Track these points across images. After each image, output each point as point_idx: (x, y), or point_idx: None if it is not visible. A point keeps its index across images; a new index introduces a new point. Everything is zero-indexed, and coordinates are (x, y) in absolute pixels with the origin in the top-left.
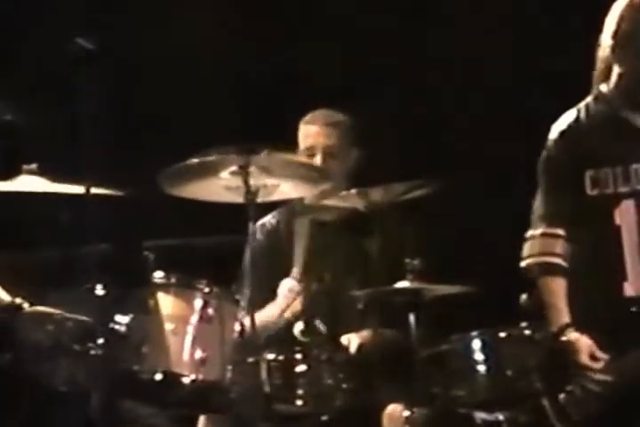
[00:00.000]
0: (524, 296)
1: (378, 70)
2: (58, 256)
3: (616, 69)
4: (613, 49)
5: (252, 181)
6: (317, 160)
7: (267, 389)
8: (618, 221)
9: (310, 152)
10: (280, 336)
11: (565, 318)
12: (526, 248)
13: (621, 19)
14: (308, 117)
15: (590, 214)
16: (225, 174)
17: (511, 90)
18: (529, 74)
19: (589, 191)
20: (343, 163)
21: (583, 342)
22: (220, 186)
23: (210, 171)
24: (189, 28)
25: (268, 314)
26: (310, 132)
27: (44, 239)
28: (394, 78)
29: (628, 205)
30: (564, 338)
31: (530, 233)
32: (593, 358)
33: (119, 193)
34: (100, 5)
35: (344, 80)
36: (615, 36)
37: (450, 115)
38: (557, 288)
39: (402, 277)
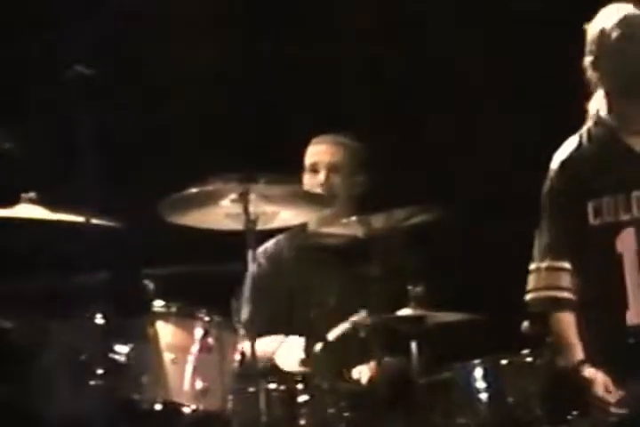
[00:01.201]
0: (525, 323)
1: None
2: (57, 285)
3: (601, 93)
4: (594, 72)
5: (251, 209)
6: (321, 177)
7: (265, 419)
8: (619, 249)
9: (313, 168)
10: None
11: (580, 353)
12: (531, 281)
13: (598, 47)
14: (316, 139)
15: (593, 244)
16: (225, 202)
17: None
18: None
19: (592, 221)
20: (347, 183)
21: (600, 377)
22: (221, 214)
23: (210, 199)
24: (188, 55)
25: (266, 346)
26: (316, 150)
27: (42, 268)
28: (393, 106)
29: (628, 233)
30: (581, 374)
31: (535, 266)
32: (608, 391)
33: (117, 225)
34: (98, 33)
35: (343, 108)
36: (594, 65)
37: (451, 141)
38: (568, 323)
39: (404, 305)
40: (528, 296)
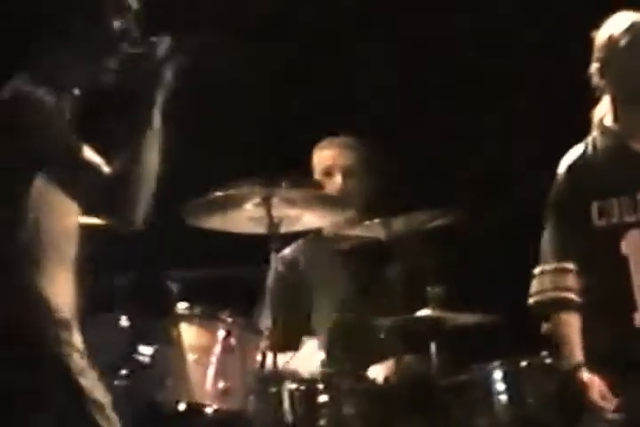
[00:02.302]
0: (545, 325)
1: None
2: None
3: (607, 100)
4: (600, 79)
5: (274, 213)
6: (337, 180)
7: (289, 419)
8: (625, 250)
9: (328, 172)
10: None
11: (579, 355)
12: (537, 284)
13: (605, 55)
14: (322, 143)
15: (598, 246)
16: (248, 206)
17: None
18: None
19: (597, 222)
20: (362, 186)
21: (595, 383)
22: (244, 217)
23: (233, 203)
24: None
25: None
26: (327, 154)
27: None
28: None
29: (634, 235)
30: (578, 377)
31: (540, 269)
32: (604, 397)
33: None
34: None
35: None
36: (601, 72)
37: (470, 145)
38: (572, 324)
39: (423, 306)
40: (532, 299)
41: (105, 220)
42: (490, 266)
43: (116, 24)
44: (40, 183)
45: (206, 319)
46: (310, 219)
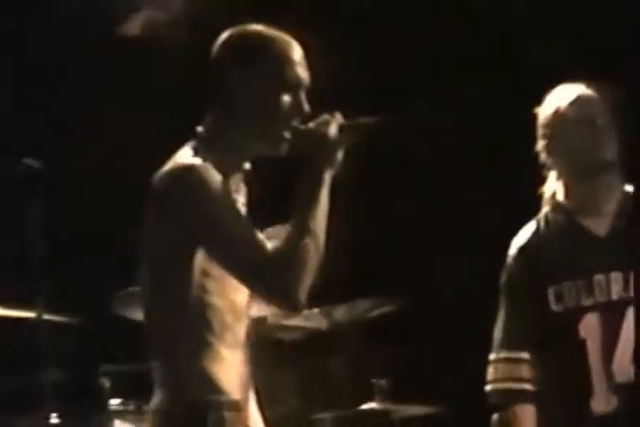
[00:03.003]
0: (495, 416)
1: None
2: (11, 383)
3: (558, 179)
4: (548, 156)
5: None
6: None
7: None
8: (582, 335)
9: None
10: None
11: None
12: (491, 372)
13: (552, 131)
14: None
15: (555, 331)
16: None
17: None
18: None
19: (553, 307)
20: None
21: None
22: None
23: None
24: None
25: None
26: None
27: None
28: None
29: (591, 319)
30: None
31: (493, 356)
32: None
33: (72, 320)
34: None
35: None
36: (548, 149)
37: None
38: (527, 418)
39: (369, 399)
40: (488, 387)
41: (267, 301)
42: (436, 355)
43: (286, 99)
44: (203, 262)
45: (141, 415)
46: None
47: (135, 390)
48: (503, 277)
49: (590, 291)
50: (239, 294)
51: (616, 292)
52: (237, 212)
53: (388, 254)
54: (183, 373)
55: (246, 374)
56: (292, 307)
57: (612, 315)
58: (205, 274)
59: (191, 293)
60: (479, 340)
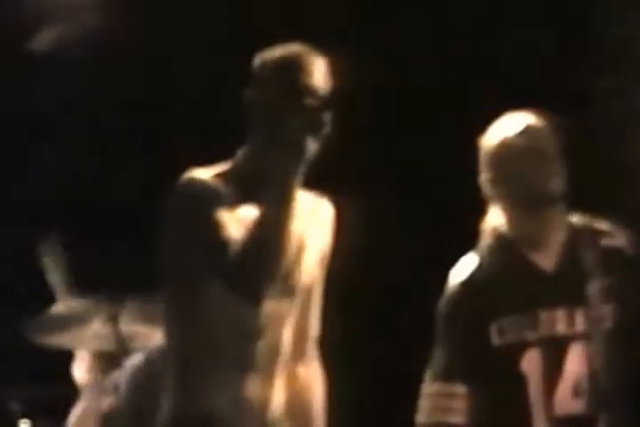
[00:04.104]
0: None
1: None
2: None
3: (500, 211)
4: (493, 186)
5: (124, 329)
6: None
7: None
8: (524, 369)
9: None
10: None
11: None
12: (422, 405)
13: (498, 161)
14: None
15: (495, 365)
16: (95, 324)
17: None
18: None
19: (494, 341)
20: None
21: None
22: (90, 335)
23: (77, 320)
24: None
25: None
26: None
27: None
28: None
29: (533, 354)
30: None
31: (426, 389)
32: None
33: None
34: None
35: None
36: (493, 179)
37: None
38: None
39: None
40: (420, 419)
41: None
42: None
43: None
44: (207, 284)
45: None
46: None
47: (44, 414)
48: (443, 309)
49: (534, 326)
50: (250, 314)
51: (561, 327)
52: (212, 220)
53: None
54: (172, 388)
55: (256, 395)
56: (254, 303)
57: (555, 350)
58: (201, 291)
59: (197, 313)
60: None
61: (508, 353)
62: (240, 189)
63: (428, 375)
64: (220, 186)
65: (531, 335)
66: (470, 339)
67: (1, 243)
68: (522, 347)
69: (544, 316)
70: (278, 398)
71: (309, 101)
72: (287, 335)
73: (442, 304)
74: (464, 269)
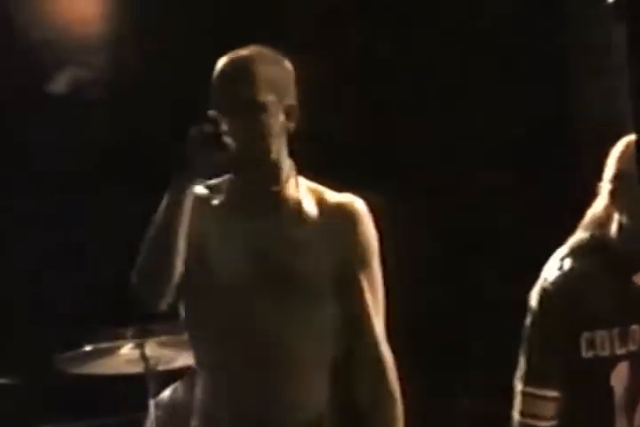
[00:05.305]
0: None
1: None
2: None
3: (616, 217)
4: (613, 194)
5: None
6: None
7: None
8: (612, 382)
9: None
10: None
11: None
12: (517, 403)
13: (620, 160)
14: None
15: (585, 376)
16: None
17: None
18: None
19: (584, 354)
20: None
21: None
22: (120, 361)
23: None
24: None
25: None
26: None
27: None
28: None
29: (622, 367)
30: None
31: (519, 388)
32: None
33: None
34: None
35: None
36: (615, 179)
37: None
38: None
39: None
40: (516, 417)
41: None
42: None
43: None
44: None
45: None
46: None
47: None
48: (534, 314)
49: (624, 340)
50: (227, 314)
51: None
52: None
53: None
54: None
55: (238, 398)
56: (152, 305)
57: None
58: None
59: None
60: None
61: (597, 366)
62: (227, 199)
63: (519, 373)
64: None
65: (621, 350)
66: (560, 346)
67: None
68: (612, 361)
69: (634, 331)
70: (300, 397)
71: (211, 112)
72: (292, 335)
73: (535, 298)
74: (559, 270)
